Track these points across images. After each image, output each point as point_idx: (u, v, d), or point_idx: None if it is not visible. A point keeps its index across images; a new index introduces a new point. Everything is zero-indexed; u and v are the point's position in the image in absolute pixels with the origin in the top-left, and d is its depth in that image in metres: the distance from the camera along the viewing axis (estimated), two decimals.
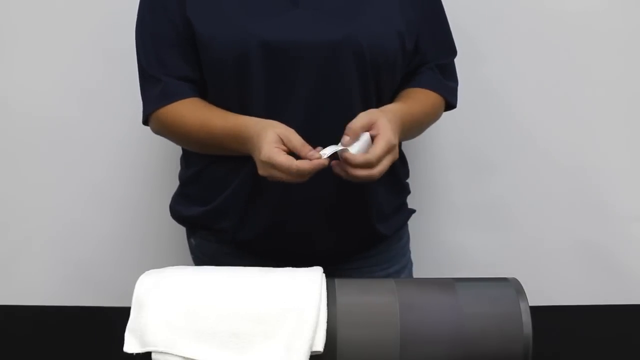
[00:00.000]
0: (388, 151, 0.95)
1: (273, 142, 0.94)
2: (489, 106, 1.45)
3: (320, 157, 0.93)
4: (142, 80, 1.11)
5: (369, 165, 0.94)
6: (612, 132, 1.46)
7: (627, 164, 1.47)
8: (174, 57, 1.07)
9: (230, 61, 1.03)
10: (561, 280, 1.51)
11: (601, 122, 1.46)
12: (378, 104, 1.07)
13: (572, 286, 1.50)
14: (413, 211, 1.25)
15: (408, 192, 1.24)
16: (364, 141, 0.96)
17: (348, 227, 1.12)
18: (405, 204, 1.24)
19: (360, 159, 0.94)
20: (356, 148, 0.95)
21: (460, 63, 1.21)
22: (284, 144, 0.94)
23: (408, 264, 1.27)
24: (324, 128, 1.01)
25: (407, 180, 1.24)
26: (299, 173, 0.92)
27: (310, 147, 0.94)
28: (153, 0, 1.08)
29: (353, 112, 0.98)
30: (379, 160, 0.94)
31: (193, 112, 1.07)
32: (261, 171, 0.96)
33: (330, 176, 1.01)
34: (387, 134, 0.95)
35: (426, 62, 1.16)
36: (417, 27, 1.11)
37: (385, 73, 1.07)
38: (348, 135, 0.95)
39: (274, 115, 1.00)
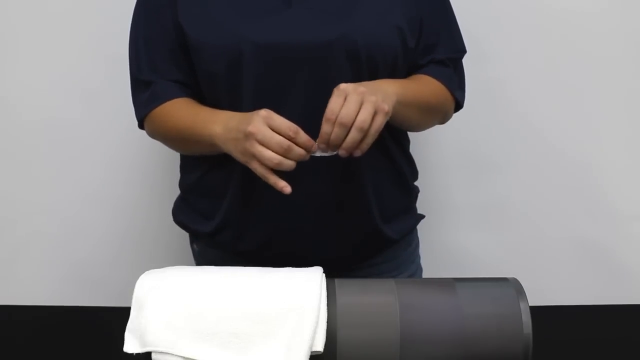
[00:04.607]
0: (341, 97, 0.91)
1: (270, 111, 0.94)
2: (491, 107, 1.45)
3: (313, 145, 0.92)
4: (133, 88, 1.11)
5: (328, 121, 0.91)
6: (612, 131, 1.46)
7: (628, 164, 1.47)
8: (166, 61, 1.07)
9: (223, 65, 1.01)
10: (561, 280, 1.51)
11: (602, 122, 1.46)
12: None
13: (572, 286, 1.51)
14: (422, 216, 1.23)
15: (416, 194, 1.22)
16: None
17: (352, 232, 1.10)
18: (414, 209, 1.22)
19: (323, 126, 0.91)
20: None
21: (464, 63, 1.20)
22: None
23: (417, 270, 1.25)
24: (318, 132, 0.97)
25: (415, 183, 1.21)
26: (297, 134, 0.91)
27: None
28: (147, 5, 1.08)
29: None
30: (334, 111, 0.90)
31: (181, 107, 1.07)
32: (252, 127, 0.91)
33: (329, 181, 1.00)
34: (334, 91, 0.93)
35: (431, 59, 1.13)
36: (421, 23, 1.09)
37: (385, 72, 1.05)
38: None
39: None
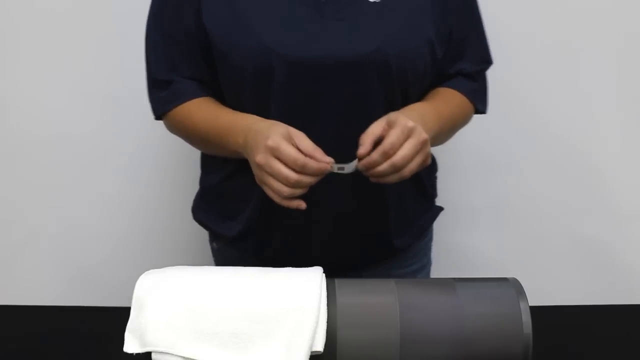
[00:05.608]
0: (405, 135, 0.89)
1: (284, 134, 0.89)
2: (491, 108, 1.45)
3: (329, 163, 0.89)
4: (150, 86, 1.09)
5: (385, 155, 0.89)
6: (612, 131, 1.46)
7: (628, 164, 1.48)
8: (185, 60, 1.05)
9: (250, 73, 0.99)
10: (561, 280, 1.51)
11: (602, 122, 1.46)
12: None
13: (572, 286, 1.51)
14: (441, 209, 1.22)
15: (435, 196, 1.22)
16: None
17: (373, 243, 1.11)
18: (431, 208, 1.21)
19: (374, 153, 0.89)
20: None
21: None
22: (294, 143, 0.89)
23: (427, 264, 1.25)
24: (346, 146, 0.93)
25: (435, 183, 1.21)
26: (304, 168, 0.87)
27: (322, 151, 0.89)
28: (166, 7, 1.05)
29: None
30: (394, 146, 0.88)
31: (201, 108, 1.05)
32: (259, 158, 0.89)
33: (351, 191, 0.99)
34: (400, 120, 0.89)
35: (460, 70, 1.12)
36: (450, 32, 1.07)
37: (414, 84, 1.03)
38: (362, 144, 0.90)
39: None
